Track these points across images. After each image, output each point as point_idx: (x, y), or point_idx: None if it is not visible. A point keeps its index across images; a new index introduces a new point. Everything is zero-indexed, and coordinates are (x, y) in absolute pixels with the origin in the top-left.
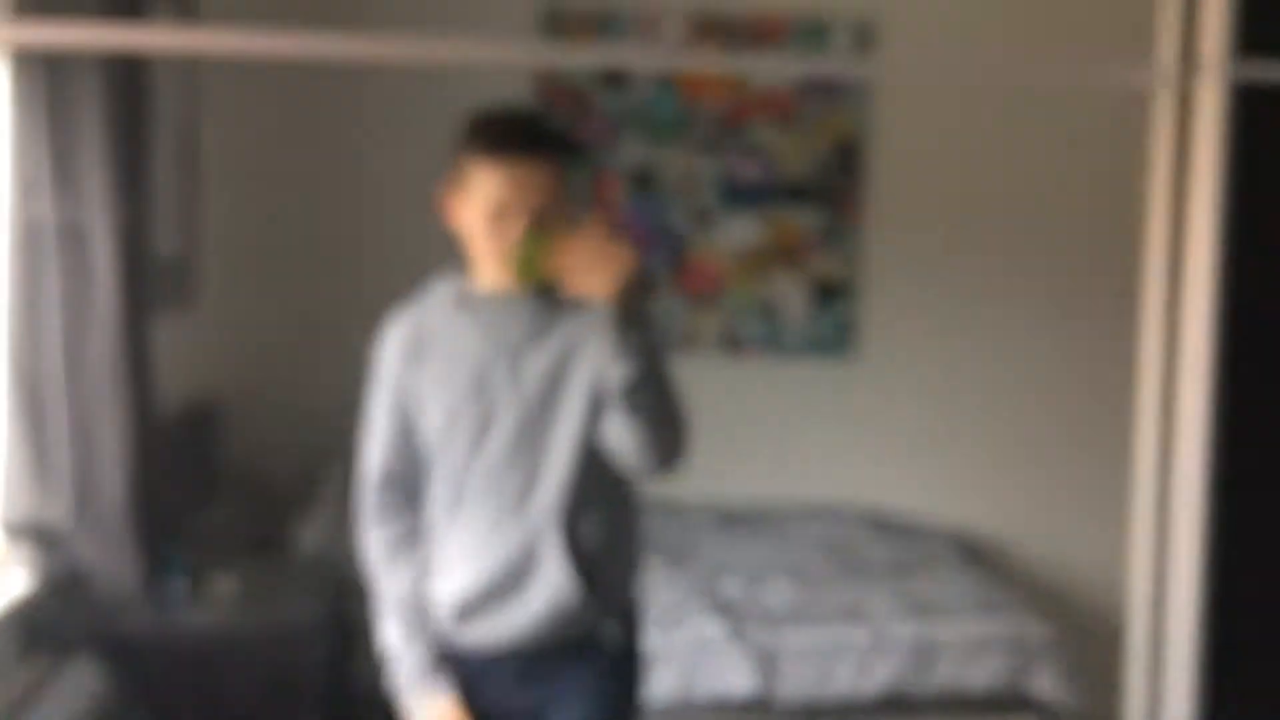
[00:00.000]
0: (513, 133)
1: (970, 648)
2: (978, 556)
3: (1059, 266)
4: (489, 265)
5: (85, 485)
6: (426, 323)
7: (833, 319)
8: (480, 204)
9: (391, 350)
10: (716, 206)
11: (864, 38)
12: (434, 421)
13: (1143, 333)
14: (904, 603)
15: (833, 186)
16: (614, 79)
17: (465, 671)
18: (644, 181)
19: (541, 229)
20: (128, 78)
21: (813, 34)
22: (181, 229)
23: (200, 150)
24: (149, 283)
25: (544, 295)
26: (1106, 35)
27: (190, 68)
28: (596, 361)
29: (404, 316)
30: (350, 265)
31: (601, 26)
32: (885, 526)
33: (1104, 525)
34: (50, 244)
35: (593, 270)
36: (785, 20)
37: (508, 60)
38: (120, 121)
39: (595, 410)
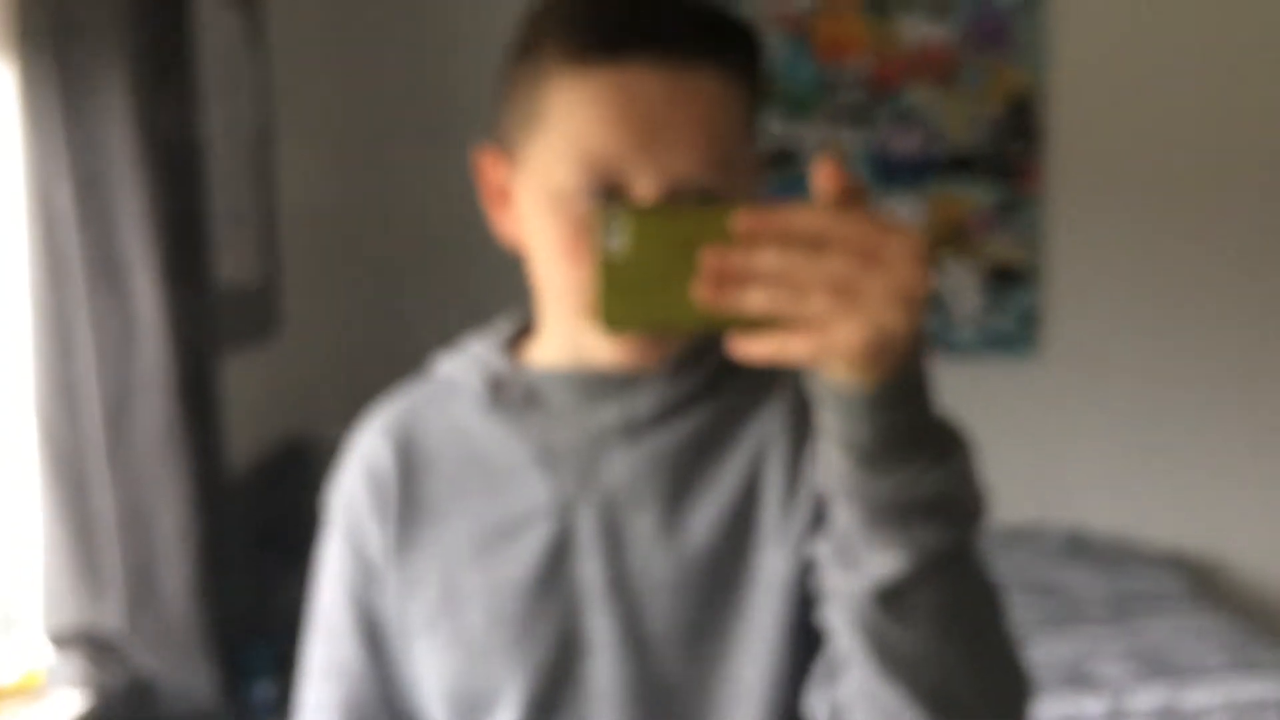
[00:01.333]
0: (657, 13)
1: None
2: (1205, 586)
3: None
4: (570, 309)
5: (140, 580)
6: (425, 438)
7: (1013, 310)
8: (566, 170)
9: (352, 496)
10: (869, 185)
11: None
12: (447, 644)
13: None
14: (1139, 661)
15: (1006, 154)
16: None
17: None
18: (781, 161)
19: (669, 215)
20: (164, 78)
21: None
22: (259, 256)
23: (276, 170)
24: (211, 320)
25: (689, 367)
26: None
27: (263, 76)
28: (805, 517)
29: (380, 425)
30: (445, 287)
31: None
32: (1093, 553)
33: None
34: (80, 285)
35: (826, 303)
36: None
37: None
38: (157, 132)
39: (803, 621)
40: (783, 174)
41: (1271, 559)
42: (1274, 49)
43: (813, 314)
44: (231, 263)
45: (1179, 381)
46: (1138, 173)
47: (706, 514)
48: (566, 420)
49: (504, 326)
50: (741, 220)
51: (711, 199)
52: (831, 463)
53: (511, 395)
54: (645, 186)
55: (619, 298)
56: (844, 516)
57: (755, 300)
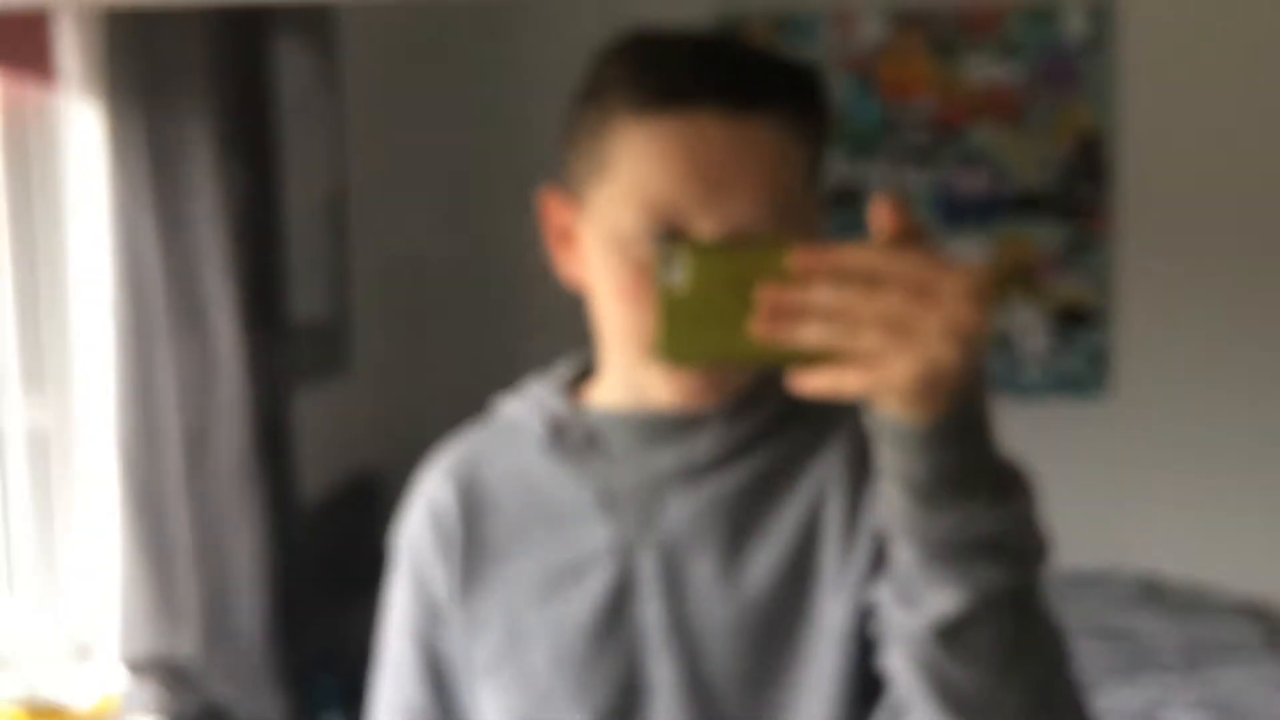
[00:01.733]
0: (720, 63)
1: None
2: (1277, 635)
3: None
4: (631, 351)
5: (216, 610)
6: (488, 480)
7: (1082, 352)
8: (630, 214)
9: (416, 537)
10: (936, 225)
11: (1100, 16)
12: (510, 685)
13: None
14: (1213, 711)
15: (1074, 195)
16: None
17: None
18: (847, 200)
19: (729, 252)
20: (244, 126)
21: (1037, 19)
22: (330, 292)
23: (348, 208)
24: (286, 355)
25: (748, 410)
26: None
27: (337, 119)
28: (864, 561)
29: (444, 468)
30: (510, 329)
31: (785, 28)
32: (1166, 599)
33: None
34: (161, 319)
35: (880, 338)
36: (1002, 8)
37: None
38: (238, 172)
39: (863, 668)
40: (846, 213)
41: None
42: None
43: (867, 349)
44: (304, 301)
45: (1251, 424)
46: (1207, 213)
47: (766, 558)
48: (627, 463)
49: (564, 370)
50: (797, 258)
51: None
52: (891, 500)
53: (572, 438)
54: (706, 233)
55: (679, 331)
56: (904, 555)
57: (811, 335)
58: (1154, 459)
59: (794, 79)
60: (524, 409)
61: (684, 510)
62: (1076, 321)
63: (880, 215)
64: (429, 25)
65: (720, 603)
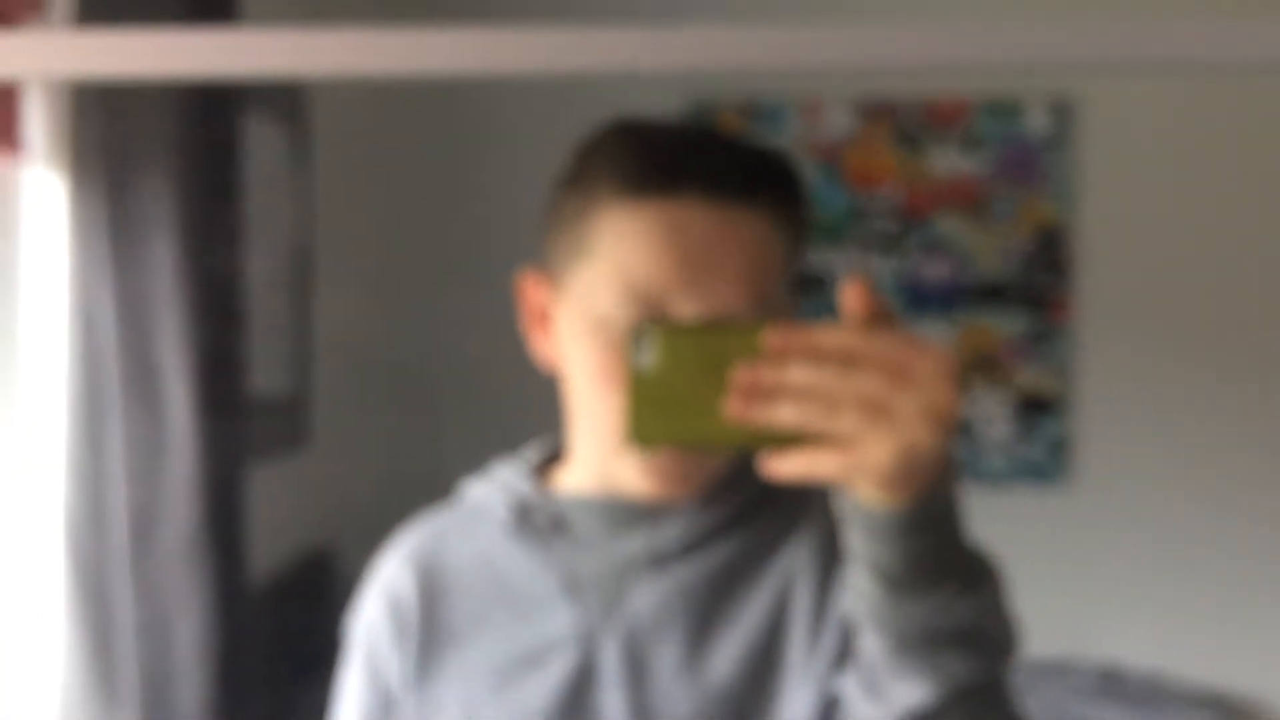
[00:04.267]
0: (705, 151)
1: None
2: None
3: None
4: (604, 436)
5: (156, 693)
6: (449, 565)
7: (1044, 440)
8: (612, 297)
9: (372, 623)
10: (901, 312)
11: (1062, 112)
12: None
13: None
14: None
15: (1036, 285)
16: None
17: None
18: (813, 287)
19: (700, 333)
20: (210, 198)
21: (1001, 114)
22: (292, 367)
23: (314, 284)
24: (241, 432)
25: (718, 498)
26: None
27: (306, 192)
28: (831, 651)
29: (403, 552)
30: (477, 410)
31: (755, 115)
32: (1126, 690)
33: None
34: (115, 395)
35: (857, 420)
36: (967, 100)
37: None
38: (200, 249)
39: None
40: (812, 300)
41: None
42: None
43: (843, 431)
44: (264, 376)
45: (1213, 514)
46: (1165, 304)
47: (732, 648)
48: (593, 549)
49: (533, 453)
50: (771, 337)
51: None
52: (859, 588)
53: (538, 522)
54: (686, 316)
55: (649, 414)
56: (871, 645)
57: (786, 416)
58: (1115, 547)
59: (775, 170)
60: (490, 492)
61: (650, 598)
62: (1038, 409)
63: (851, 296)
64: (401, 105)
65: (684, 693)
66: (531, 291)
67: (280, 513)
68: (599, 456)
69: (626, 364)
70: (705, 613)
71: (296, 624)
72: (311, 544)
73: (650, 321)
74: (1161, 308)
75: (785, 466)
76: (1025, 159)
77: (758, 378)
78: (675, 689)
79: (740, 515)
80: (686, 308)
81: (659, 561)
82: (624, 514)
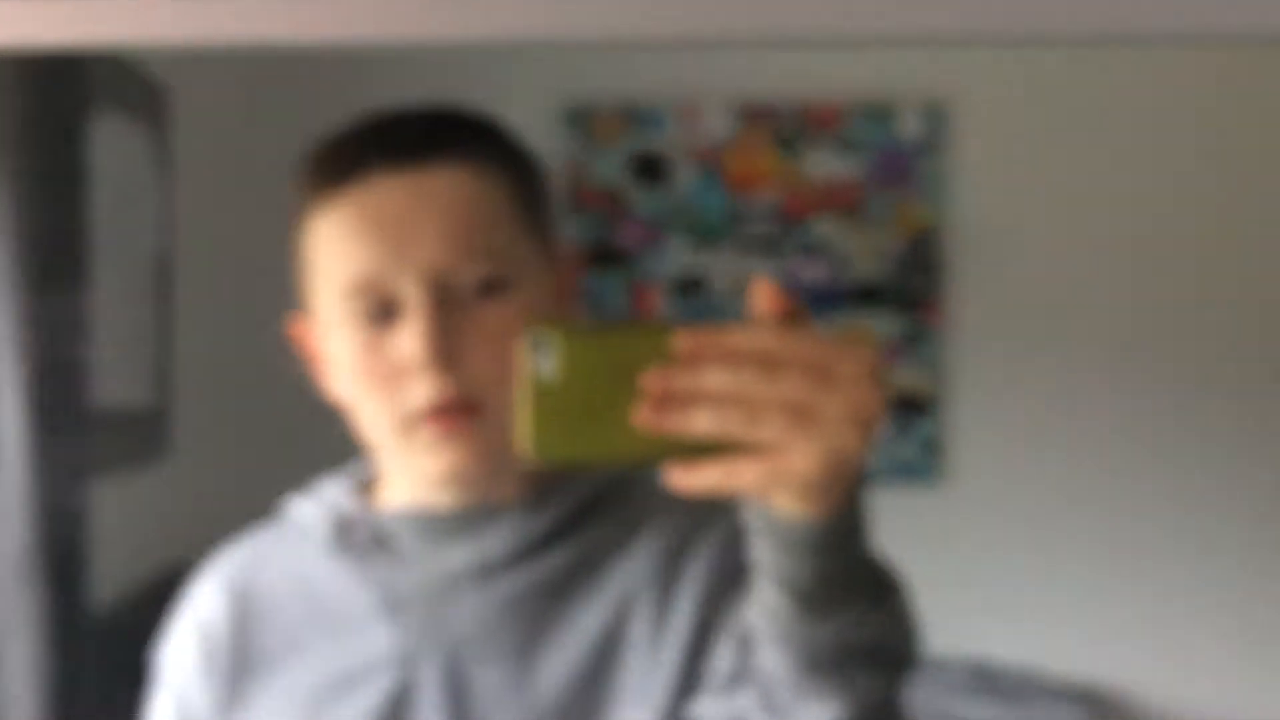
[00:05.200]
0: (385, 126)
1: None
2: None
3: (1186, 369)
4: (396, 446)
5: None
6: (264, 587)
7: (917, 440)
8: (337, 301)
9: (178, 652)
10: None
11: (935, 117)
12: None
13: None
14: None
15: (910, 287)
16: (651, 173)
17: None
18: (690, 289)
19: (603, 336)
20: (52, 200)
21: (876, 117)
22: (153, 376)
23: (173, 287)
24: (82, 443)
25: (546, 503)
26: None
27: (165, 191)
28: (673, 673)
29: (216, 575)
30: (342, 422)
31: (632, 119)
32: (998, 685)
33: (1269, 683)
34: None
35: (781, 426)
36: (843, 104)
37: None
38: (36, 247)
39: None
40: (691, 303)
41: (1176, 693)
42: (1164, 190)
43: (765, 438)
44: (120, 385)
45: (1082, 511)
46: (1039, 304)
47: (561, 667)
48: (414, 564)
49: (360, 468)
50: (684, 340)
51: (499, 283)
52: (767, 605)
53: (359, 539)
54: (410, 290)
55: (551, 425)
56: (775, 663)
57: (702, 424)
58: (986, 546)
59: (470, 128)
60: (312, 509)
61: (474, 613)
62: (912, 410)
63: (761, 296)
64: (266, 107)
65: (509, 714)
66: (303, 334)
67: (139, 527)
68: (403, 469)
69: (524, 372)
70: (533, 628)
71: (152, 644)
72: (172, 559)
73: (549, 327)
74: (1032, 309)
75: (698, 479)
76: (899, 162)
77: (670, 384)
78: (500, 710)
79: (571, 522)
80: (405, 282)
81: (483, 574)
82: (445, 526)
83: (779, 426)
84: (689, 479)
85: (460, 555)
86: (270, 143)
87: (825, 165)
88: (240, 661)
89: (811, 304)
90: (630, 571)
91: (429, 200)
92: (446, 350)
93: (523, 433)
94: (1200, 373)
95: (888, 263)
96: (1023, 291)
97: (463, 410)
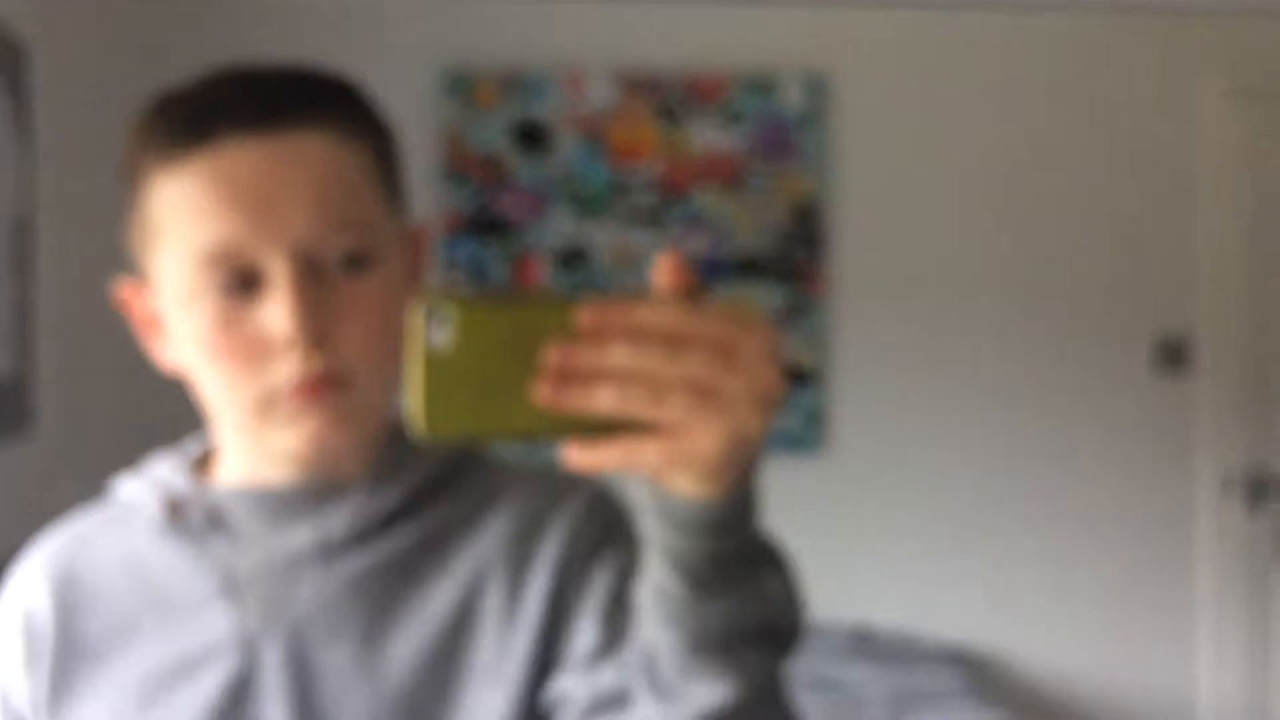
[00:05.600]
0: (240, 88)
1: None
2: (984, 681)
3: (1063, 337)
4: (241, 417)
5: None
6: (92, 570)
7: (802, 410)
8: (190, 270)
9: (2, 642)
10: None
11: (816, 88)
12: None
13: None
14: None
15: (792, 259)
16: (534, 143)
17: None
18: (573, 260)
19: (502, 307)
20: None
21: (759, 89)
22: (12, 345)
23: (34, 254)
24: None
25: (391, 479)
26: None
27: (22, 153)
28: (528, 651)
29: (39, 559)
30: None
31: (515, 87)
32: (877, 649)
33: (1130, 643)
34: None
35: (685, 405)
36: (726, 75)
37: None
38: None
39: None
40: (574, 273)
41: (1046, 654)
42: (1032, 161)
43: (670, 416)
44: None
45: (961, 479)
46: (920, 274)
47: (409, 646)
48: (253, 544)
49: (194, 445)
50: (587, 314)
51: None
52: (661, 586)
53: (192, 519)
54: (275, 263)
55: (443, 400)
56: (663, 643)
57: (605, 401)
58: (868, 513)
59: (330, 91)
60: (141, 488)
61: (317, 593)
62: (796, 381)
63: (665, 270)
64: (129, 71)
65: (356, 696)
66: (133, 299)
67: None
68: (245, 444)
69: (416, 343)
70: (379, 608)
71: None
72: (30, 535)
73: (444, 296)
74: (913, 279)
75: (598, 457)
76: (781, 134)
77: (573, 359)
78: (346, 693)
79: (417, 499)
80: (269, 255)
81: (326, 553)
82: (284, 504)
83: (683, 406)
84: (588, 458)
85: (301, 534)
86: (134, 104)
87: (707, 136)
88: (67, 651)
89: (697, 276)
90: (481, 548)
91: (294, 168)
92: (314, 326)
93: (414, 407)
94: (1077, 343)
95: (770, 234)
96: (904, 261)
97: (329, 384)
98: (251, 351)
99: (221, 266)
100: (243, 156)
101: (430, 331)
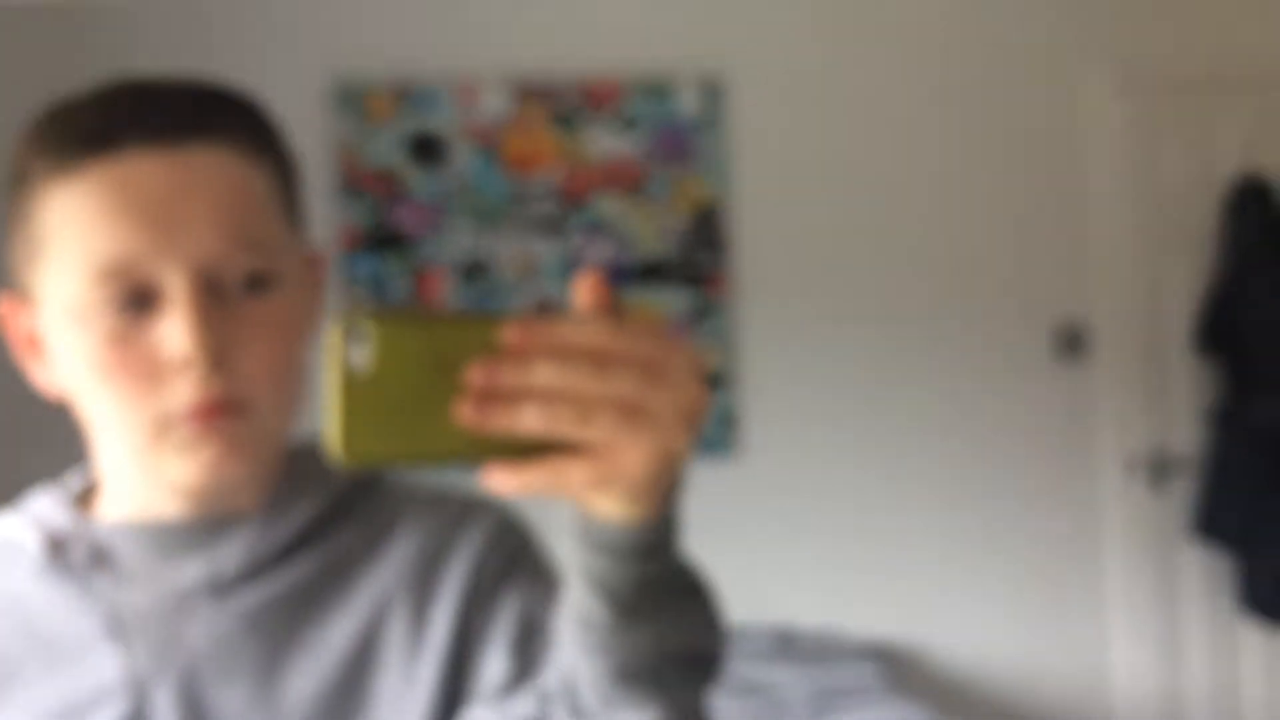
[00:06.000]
0: (143, 99)
1: None
2: (903, 675)
3: (964, 329)
4: (130, 445)
5: None
6: None
7: (713, 414)
8: (83, 284)
9: None
10: (562, 294)
11: (711, 91)
12: None
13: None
14: None
15: (695, 262)
16: (429, 155)
17: None
18: (474, 272)
19: (423, 325)
20: None
21: (655, 94)
22: None
23: None
24: None
25: (284, 511)
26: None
27: None
28: (433, 683)
29: None
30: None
31: (407, 98)
32: (798, 649)
33: (1043, 627)
34: None
35: (613, 424)
36: (621, 81)
37: None
38: None
39: None
40: (476, 285)
41: (963, 644)
42: (925, 154)
43: (598, 436)
44: None
45: (871, 474)
46: (824, 274)
47: (308, 681)
48: (140, 581)
49: (76, 479)
50: (511, 332)
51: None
52: (585, 613)
53: (75, 556)
54: (175, 280)
55: (363, 422)
56: (584, 670)
57: (530, 422)
58: (783, 514)
59: (232, 107)
60: (20, 525)
61: (209, 631)
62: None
63: (586, 288)
64: (9, 73)
65: None
66: (11, 317)
67: None
68: (131, 476)
69: (334, 363)
70: (275, 644)
71: None
72: None
73: (363, 314)
74: (815, 277)
75: (522, 480)
76: (678, 139)
77: (496, 379)
78: None
79: (312, 530)
80: (169, 271)
81: (218, 589)
82: (173, 538)
83: (610, 425)
84: (512, 480)
85: (191, 570)
86: (11, 117)
87: (605, 143)
88: None
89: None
90: (381, 579)
91: (196, 184)
92: (214, 346)
93: (331, 430)
94: (977, 334)
95: (672, 239)
96: (810, 263)
97: (228, 410)
98: (146, 372)
99: (117, 281)
100: (144, 167)
101: (348, 351)
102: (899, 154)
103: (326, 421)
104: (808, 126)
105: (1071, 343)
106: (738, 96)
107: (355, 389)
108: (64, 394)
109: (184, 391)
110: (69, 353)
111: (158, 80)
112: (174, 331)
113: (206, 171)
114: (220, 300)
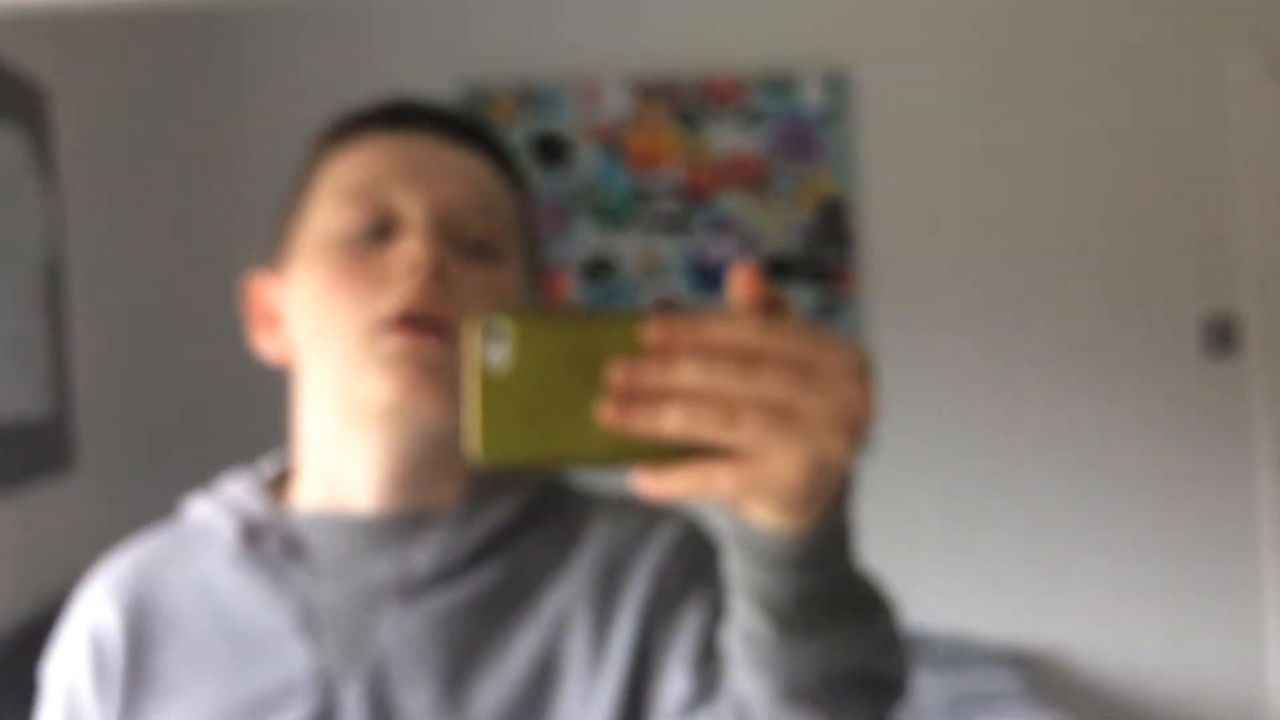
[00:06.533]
0: (426, 107)
1: None
2: (1041, 682)
3: (1107, 325)
4: (344, 353)
5: None
6: (163, 597)
7: None
8: (335, 211)
9: (69, 669)
10: (687, 292)
11: (836, 85)
12: None
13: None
14: None
15: (821, 258)
16: (553, 156)
17: None
18: (599, 271)
19: (564, 323)
20: None
21: (779, 89)
22: (49, 387)
23: (68, 295)
24: None
25: (478, 514)
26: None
27: (52, 204)
28: (614, 698)
29: (107, 584)
30: (254, 412)
31: (531, 99)
32: (930, 655)
33: (1193, 634)
34: None
35: (761, 427)
36: (743, 78)
37: None
38: None
39: None
40: (600, 285)
41: (1105, 650)
42: (1059, 144)
43: (744, 440)
44: (15, 397)
45: (1011, 474)
46: (949, 270)
47: (494, 690)
48: (332, 576)
49: (269, 465)
50: (655, 330)
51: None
52: (745, 628)
53: (268, 545)
54: (415, 208)
55: (502, 422)
56: (751, 690)
57: (673, 424)
58: (917, 514)
59: (491, 132)
60: (214, 511)
61: (399, 632)
62: None
63: (741, 283)
64: (148, 107)
65: None
66: (258, 292)
67: (41, 542)
68: (326, 457)
69: (473, 363)
70: (463, 650)
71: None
72: (77, 575)
73: (501, 312)
74: (946, 272)
75: (669, 484)
76: (803, 134)
77: (639, 378)
78: None
79: (503, 537)
80: (411, 204)
81: (409, 589)
82: (366, 534)
83: (758, 429)
84: (658, 485)
85: (382, 568)
86: (154, 143)
87: (728, 140)
88: (138, 679)
89: (721, 282)
90: (565, 590)
91: (452, 160)
92: (441, 263)
93: (470, 430)
94: (1122, 330)
95: (797, 235)
96: (940, 255)
97: (434, 327)
98: (370, 279)
99: (361, 203)
100: (417, 141)
101: (487, 351)
102: (1032, 144)
103: (466, 421)
104: (936, 118)
105: (1222, 336)
106: (863, 89)
107: (494, 388)
108: (286, 358)
109: (402, 293)
110: (304, 285)
111: (435, 104)
112: (406, 244)
113: (466, 159)
114: (451, 245)
